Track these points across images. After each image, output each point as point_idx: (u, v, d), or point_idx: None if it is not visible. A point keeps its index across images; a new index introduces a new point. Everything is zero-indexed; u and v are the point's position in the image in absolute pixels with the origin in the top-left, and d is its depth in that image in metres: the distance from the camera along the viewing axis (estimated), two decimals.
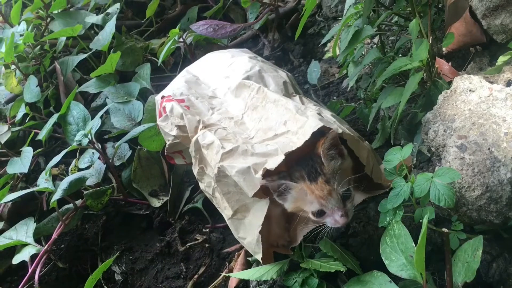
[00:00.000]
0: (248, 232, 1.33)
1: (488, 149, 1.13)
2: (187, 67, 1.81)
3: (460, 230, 1.15)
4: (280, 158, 1.23)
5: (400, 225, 1.11)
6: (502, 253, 1.18)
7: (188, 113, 1.48)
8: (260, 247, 1.30)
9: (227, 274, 1.45)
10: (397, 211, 1.17)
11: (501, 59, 1.31)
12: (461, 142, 1.17)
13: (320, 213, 1.25)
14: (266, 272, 1.33)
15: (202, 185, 1.48)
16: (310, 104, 1.49)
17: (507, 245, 1.15)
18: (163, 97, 1.61)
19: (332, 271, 1.23)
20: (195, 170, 1.47)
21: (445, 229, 1.00)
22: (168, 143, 1.56)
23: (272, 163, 1.23)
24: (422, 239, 0.96)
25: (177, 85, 1.64)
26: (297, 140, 1.27)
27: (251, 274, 1.34)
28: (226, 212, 1.37)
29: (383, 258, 1.12)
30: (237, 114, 1.49)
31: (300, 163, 1.26)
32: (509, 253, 1.17)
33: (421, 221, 1.10)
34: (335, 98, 2.11)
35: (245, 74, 1.58)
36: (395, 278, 1.14)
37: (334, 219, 1.24)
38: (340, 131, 1.30)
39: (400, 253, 1.09)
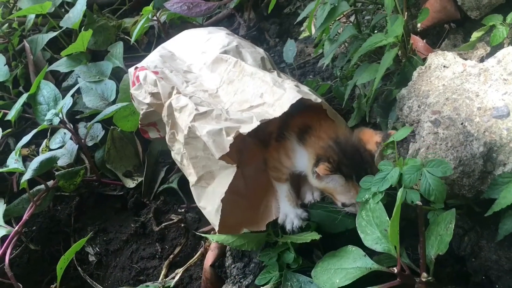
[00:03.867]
0: (210, 201, 1.31)
1: (461, 123, 1.14)
2: (163, 43, 1.78)
3: (440, 209, 1.14)
4: (255, 124, 1.22)
5: (375, 200, 1.11)
6: (474, 226, 1.20)
7: (162, 80, 1.46)
8: (218, 218, 1.28)
9: (201, 233, 1.42)
10: (377, 193, 1.13)
11: (475, 35, 1.31)
12: (435, 117, 1.18)
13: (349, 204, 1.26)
14: (247, 242, 1.32)
15: (173, 153, 1.47)
16: (287, 79, 1.48)
17: (479, 219, 1.16)
18: (136, 67, 1.59)
19: (308, 241, 1.23)
20: (167, 136, 1.45)
21: (418, 202, 1.01)
22: (141, 112, 1.53)
23: (246, 129, 1.22)
24: (396, 213, 0.97)
25: (151, 59, 1.62)
26: (273, 112, 1.26)
27: (231, 241, 1.31)
28: (190, 178, 1.35)
29: (358, 232, 1.12)
30: (212, 88, 1.47)
31: (350, 157, 1.22)
32: (481, 227, 1.19)
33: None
34: (311, 77, 2.10)
35: (222, 49, 1.57)
36: (370, 253, 1.15)
37: (355, 209, 1.24)
38: (319, 100, 1.30)
39: (375, 227, 1.09)
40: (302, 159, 1.32)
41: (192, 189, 1.36)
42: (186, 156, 1.35)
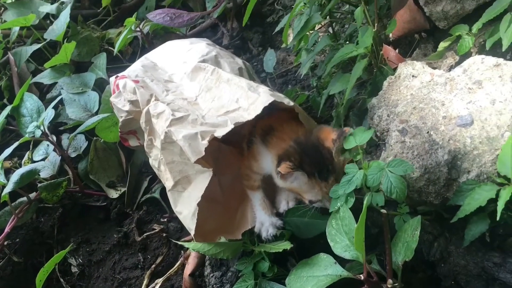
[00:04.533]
0: (186, 205, 1.33)
1: (427, 132, 1.16)
2: (146, 54, 1.81)
3: (406, 213, 1.16)
4: (229, 128, 1.25)
5: (345, 208, 1.13)
6: (443, 232, 1.22)
7: (141, 88, 1.49)
8: (194, 222, 1.30)
9: (180, 242, 1.43)
10: (349, 198, 1.16)
11: (442, 45, 1.34)
12: (402, 126, 1.20)
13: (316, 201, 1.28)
14: (222, 250, 1.34)
15: (150, 160, 1.50)
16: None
17: (448, 225, 1.18)
18: (117, 76, 1.62)
19: (281, 250, 1.25)
20: (145, 143, 1.48)
21: (383, 210, 1.03)
22: (121, 120, 1.56)
23: (221, 132, 1.25)
24: (361, 221, 0.99)
25: (133, 68, 1.66)
26: (247, 115, 1.30)
27: (208, 249, 1.33)
28: (167, 183, 1.38)
29: (328, 240, 1.14)
30: (191, 96, 1.51)
31: (310, 154, 1.24)
32: (450, 232, 1.21)
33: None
34: (290, 86, 2.13)
35: (201, 58, 1.61)
36: (343, 260, 1.17)
37: (325, 204, 1.27)
38: (291, 104, 1.33)
39: (344, 234, 1.11)
40: (267, 160, 1.35)
41: (168, 194, 1.39)
42: (163, 161, 1.37)
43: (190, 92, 1.53)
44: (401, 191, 1.07)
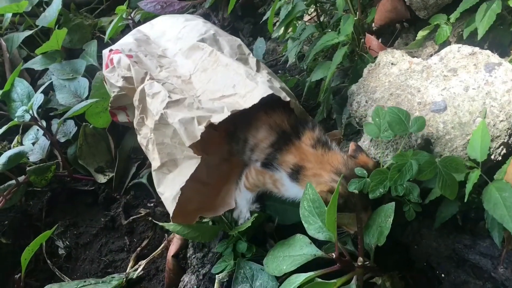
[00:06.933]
0: (169, 187, 1.35)
1: None
2: (139, 26, 1.81)
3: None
4: (226, 114, 1.26)
5: (314, 190, 1.14)
6: (417, 215, 1.25)
7: (135, 65, 1.50)
8: (174, 204, 1.31)
9: (162, 224, 1.45)
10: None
11: (420, 34, 1.37)
12: None
13: None
14: (200, 234, 1.37)
15: (139, 137, 1.50)
16: (264, 70, 1.52)
17: (422, 207, 1.22)
18: (111, 50, 1.62)
19: (249, 225, 1.30)
20: (135, 120, 1.48)
21: (355, 191, 1.06)
22: (112, 95, 1.56)
23: (217, 118, 1.26)
24: (332, 202, 1.01)
25: (126, 42, 1.66)
26: (243, 103, 1.31)
27: (186, 232, 1.36)
28: (153, 163, 1.39)
29: (302, 222, 1.17)
30: (185, 74, 1.51)
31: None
32: (423, 215, 1.24)
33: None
34: (280, 72, 2.16)
35: (200, 37, 1.60)
36: (320, 241, 1.20)
37: None
38: (288, 99, 1.34)
39: (317, 216, 1.14)
40: (294, 192, 1.29)
41: (153, 173, 1.39)
42: (152, 141, 1.38)
43: (184, 70, 1.53)
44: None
